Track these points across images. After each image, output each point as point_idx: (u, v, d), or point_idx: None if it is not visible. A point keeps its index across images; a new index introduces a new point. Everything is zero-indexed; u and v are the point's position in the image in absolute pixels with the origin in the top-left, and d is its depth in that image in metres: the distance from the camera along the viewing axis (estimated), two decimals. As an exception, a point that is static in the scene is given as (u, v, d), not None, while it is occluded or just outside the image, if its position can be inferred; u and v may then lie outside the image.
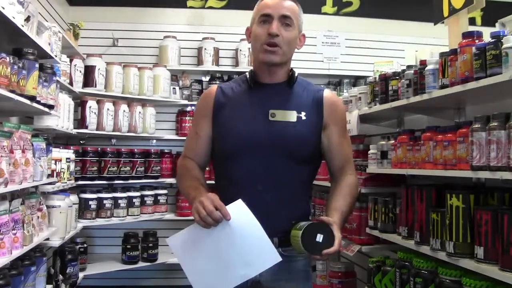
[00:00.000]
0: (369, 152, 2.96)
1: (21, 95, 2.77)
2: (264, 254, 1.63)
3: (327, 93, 1.91)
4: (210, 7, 5.82)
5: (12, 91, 2.63)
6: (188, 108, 5.43)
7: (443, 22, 3.03)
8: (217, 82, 5.49)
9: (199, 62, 5.58)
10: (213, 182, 1.93)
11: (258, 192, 1.75)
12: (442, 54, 2.24)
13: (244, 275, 1.64)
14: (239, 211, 1.61)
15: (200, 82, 5.68)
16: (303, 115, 1.82)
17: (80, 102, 4.82)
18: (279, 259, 1.63)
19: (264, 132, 1.78)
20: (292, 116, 1.81)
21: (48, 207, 3.57)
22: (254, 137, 1.78)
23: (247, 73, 1.92)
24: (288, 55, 1.87)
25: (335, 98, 1.94)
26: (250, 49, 2.01)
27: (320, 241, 1.61)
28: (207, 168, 1.99)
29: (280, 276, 1.74)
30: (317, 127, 1.84)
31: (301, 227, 1.65)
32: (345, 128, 1.93)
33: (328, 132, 1.85)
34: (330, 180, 1.95)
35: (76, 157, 4.50)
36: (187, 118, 5.38)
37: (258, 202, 1.69)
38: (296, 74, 1.91)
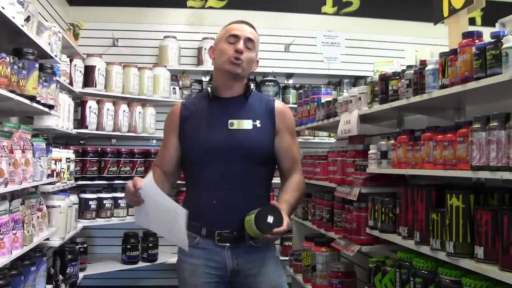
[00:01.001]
0: (369, 152, 2.96)
1: (21, 95, 2.77)
2: (176, 213, 1.90)
3: (278, 103, 2.21)
4: (210, 7, 5.82)
5: (12, 91, 2.63)
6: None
7: (443, 22, 3.02)
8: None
9: (199, 62, 5.58)
10: (183, 183, 2.21)
11: (223, 192, 2.02)
12: (442, 54, 2.24)
13: (180, 232, 1.92)
14: (148, 183, 1.88)
15: (200, 82, 5.68)
16: (258, 123, 2.10)
17: (80, 102, 4.82)
18: (184, 211, 1.88)
19: (225, 140, 2.05)
20: (248, 124, 2.09)
21: (48, 207, 3.58)
22: (216, 145, 2.05)
23: (208, 89, 2.18)
24: (246, 71, 2.14)
25: (284, 108, 2.22)
26: (213, 63, 2.23)
27: (271, 222, 1.87)
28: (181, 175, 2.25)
29: (254, 263, 2.06)
30: (271, 133, 2.12)
31: (254, 212, 1.91)
32: (294, 133, 2.23)
33: (279, 137, 2.14)
34: (281, 179, 2.21)
35: (76, 157, 4.50)
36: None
37: (224, 201, 2.01)
38: (252, 88, 2.18)
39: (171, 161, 2.16)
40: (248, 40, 2.11)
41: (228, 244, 2.04)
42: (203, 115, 2.13)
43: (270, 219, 1.87)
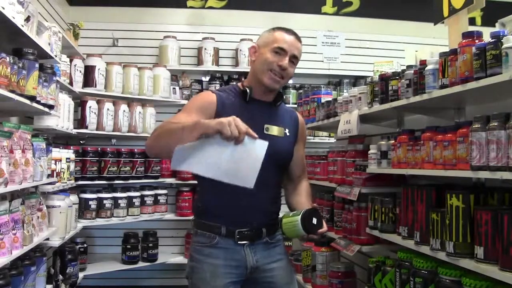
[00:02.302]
0: (369, 152, 2.96)
1: (21, 95, 2.77)
2: (248, 176, 1.75)
3: (299, 116, 2.35)
4: (210, 7, 5.82)
5: (12, 91, 2.63)
6: (188, 108, 5.42)
7: (443, 22, 3.02)
8: (217, 82, 5.49)
9: (199, 62, 5.58)
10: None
11: (251, 194, 1.92)
12: (442, 54, 2.24)
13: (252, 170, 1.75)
14: (259, 145, 1.74)
15: (200, 82, 5.68)
16: (287, 131, 2.19)
17: (80, 102, 4.82)
18: (252, 185, 1.74)
19: None
20: (281, 131, 2.17)
21: (48, 207, 3.57)
22: None
23: (239, 85, 2.20)
24: (283, 85, 2.23)
25: (303, 120, 2.37)
26: (251, 64, 2.19)
27: (315, 223, 1.97)
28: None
29: (271, 258, 2.14)
30: (294, 142, 2.24)
31: (296, 213, 2.00)
32: (305, 144, 2.38)
33: (297, 147, 2.26)
34: (287, 183, 2.30)
35: (76, 157, 4.50)
36: (187, 118, 5.38)
37: (251, 202, 2.03)
38: (283, 96, 2.26)
39: None
40: (294, 57, 2.13)
41: (247, 242, 2.07)
42: (240, 114, 1.90)
43: (314, 220, 1.97)
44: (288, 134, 2.19)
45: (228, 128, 1.68)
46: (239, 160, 1.76)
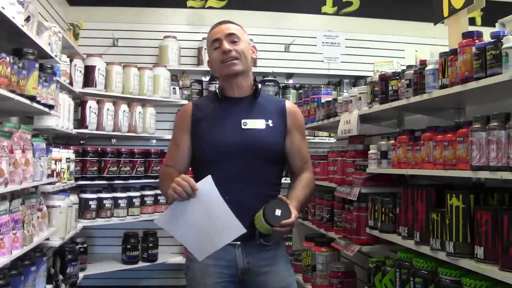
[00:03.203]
0: (369, 152, 2.96)
1: (21, 95, 2.77)
2: (230, 226, 1.87)
3: (288, 104, 2.23)
4: (210, 7, 5.82)
5: (12, 91, 2.63)
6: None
7: (443, 22, 3.02)
8: (217, 82, 5.49)
9: (199, 62, 5.58)
10: None
11: (236, 191, 2.00)
12: (442, 54, 2.24)
13: (220, 242, 1.90)
14: (207, 187, 1.85)
15: (200, 82, 5.68)
16: (270, 122, 2.12)
17: (80, 102, 4.82)
18: (244, 230, 1.87)
19: (239, 139, 2.06)
20: (261, 123, 2.10)
21: (48, 207, 3.57)
22: (231, 144, 2.05)
23: (216, 90, 2.20)
24: (247, 64, 2.14)
25: (295, 108, 2.26)
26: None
27: (279, 215, 1.90)
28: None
29: (265, 262, 2.06)
30: (282, 133, 2.14)
31: (262, 208, 1.95)
32: (304, 133, 2.25)
33: (290, 137, 2.16)
34: (291, 177, 2.24)
35: (76, 157, 4.50)
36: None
37: (237, 199, 1.96)
38: (259, 87, 2.19)
39: (185, 161, 2.15)
40: (229, 35, 2.11)
41: (239, 243, 2.02)
42: (215, 116, 2.13)
43: (278, 212, 1.91)
44: (271, 125, 2.11)
45: (175, 194, 1.83)
46: (209, 214, 1.86)
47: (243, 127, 2.08)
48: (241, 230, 1.86)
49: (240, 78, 2.13)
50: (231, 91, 2.16)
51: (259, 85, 2.19)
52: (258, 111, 2.13)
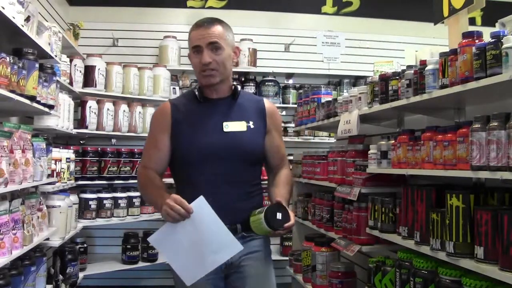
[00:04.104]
0: (369, 152, 2.95)
1: (21, 95, 2.77)
2: (227, 244, 1.92)
3: (267, 103, 2.24)
4: (210, 7, 5.83)
5: (12, 91, 2.63)
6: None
7: (443, 22, 3.02)
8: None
9: (199, 62, 5.57)
10: (171, 181, 2.25)
11: (219, 192, 2.04)
12: (442, 54, 2.24)
13: (214, 262, 1.93)
14: (201, 207, 1.89)
15: (200, 82, 5.67)
16: (251, 124, 2.13)
17: (80, 102, 4.82)
18: (241, 248, 1.94)
19: (221, 142, 2.07)
20: (242, 126, 2.11)
21: (48, 207, 3.57)
22: (214, 148, 2.07)
23: (195, 90, 2.18)
24: (226, 73, 2.13)
25: (273, 107, 2.27)
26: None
27: (280, 218, 1.96)
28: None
29: (246, 252, 2.07)
30: (262, 133, 2.17)
31: (261, 211, 1.98)
32: (281, 131, 2.33)
33: (270, 137, 2.19)
34: (268, 173, 2.29)
35: (76, 157, 4.50)
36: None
37: (219, 200, 1.98)
38: (238, 89, 2.18)
39: (164, 162, 2.15)
40: (210, 44, 2.06)
41: None
42: (195, 117, 2.13)
43: (279, 215, 1.95)
44: (252, 126, 2.12)
45: (169, 217, 1.87)
46: (203, 234, 1.90)
47: (224, 130, 2.09)
48: (238, 247, 1.92)
49: (218, 85, 2.14)
50: (210, 93, 2.16)
51: (239, 87, 2.20)
52: (238, 112, 2.14)
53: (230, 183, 2.08)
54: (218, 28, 2.09)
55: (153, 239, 1.98)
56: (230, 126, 2.10)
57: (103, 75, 4.95)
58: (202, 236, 1.91)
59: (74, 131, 4.50)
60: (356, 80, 5.71)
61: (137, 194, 5.11)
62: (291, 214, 1.99)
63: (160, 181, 2.13)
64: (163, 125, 2.13)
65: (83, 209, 4.69)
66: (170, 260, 1.97)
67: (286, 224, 1.96)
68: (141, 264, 5.11)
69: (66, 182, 4.00)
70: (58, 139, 4.73)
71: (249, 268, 2.09)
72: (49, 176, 3.40)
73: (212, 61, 2.06)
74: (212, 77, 2.09)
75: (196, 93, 2.16)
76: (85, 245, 4.86)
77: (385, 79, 2.81)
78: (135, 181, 5.09)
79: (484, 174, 1.97)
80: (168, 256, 1.98)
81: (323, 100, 3.97)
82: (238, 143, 2.08)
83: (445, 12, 2.93)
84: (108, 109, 4.94)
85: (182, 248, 1.92)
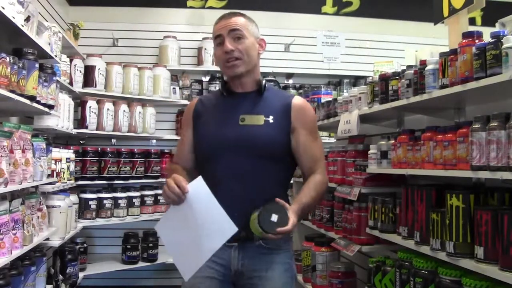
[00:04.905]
0: (369, 152, 2.96)
1: (21, 95, 2.77)
2: (222, 226, 1.78)
3: (296, 99, 2.09)
4: (210, 7, 5.82)
5: (12, 91, 2.63)
6: (188, 108, 5.43)
7: (443, 22, 3.02)
8: (217, 82, 5.50)
9: (199, 62, 5.58)
10: None
11: (232, 189, 1.93)
12: (442, 54, 2.24)
13: (209, 250, 1.80)
14: (198, 188, 1.80)
15: (200, 82, 5.68)
16: (270, 118, 2.01)
17: (80, 102, 4.82)
18: (236, 229, 1.78)
19: (234, 135, 1.99)
20: (259, 119, 2.01)
21: (48, 207, 3.57)
22: (226, 140, 1.99)
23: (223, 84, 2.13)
24: (251, 63, 2.04)
25: (303, 104, 2.11)
26: None
27: (275, 221, 1.77)
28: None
29: (261, 266, 1.95)
30: (285, 130, 2.02)
31: (259, 209, 1.82)
32: (315, 131, 2.11)
33: (296, 135, 2.03)
34: (303, 179, 2.11)
35: (76, 157, 4.50)
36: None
37: (233, 198, 1.89)
38: (264, 84, 2.08)
39: (189, 156, 2.11)
40: (232, 31, 2.00)
41: (236, 244, 1.94)
42: (216, 110, 2.09)
43: (274, 217, 1.77)
44: (272, 121, 1.99)
45: (166, 196, 1.83)
46: (200, 217, 1.81)
47: (240, 123, 2.00)
48: (233, 229, 1.77)
49: (244, 77, 2.05)
50: (235, 87, 2.09)
51: (264, 81, 2.09)
52: (259, 107, 2.04)
53: (244, 181, 1.95)
54: (240, 19, 2.06)
55: (158, 226, 1.93)
56: (247, 120, 2.00)
57: (103, 75, 4.95)
58: (198, 218, 1.80)
59: (74, 131, 4.50)
60: (356, 80, 5.71)
61: (137, 194, 5.11)
62: (291, 219, 1.79)
63: (181, 170, 2.03)
64: (187, 120, 2.14)
65: (83, 209, 4.69)
66: (169, 250, 1.92)
67: (279, 229, 1.76)
68: (141, 264, 5.11)
69: (66, 182, 4.00)
70: (58, 139, 4.73)
71: (262, 286, 1.93)
72: (49, 176, 3.40)
73: (235, 50, 1.99)
74: (236, 66, 2.00)
75: (222, 86, 2.11)
76: (85, 245, 4.86)
77: (385, 79, 2.81)
78: (135, 181, 5.18)
79: (484, 174, 1.97)
80: (167, 245, 1.92)
81: (323, 100, 3.97)
82: (251, 137, 1.97)
83: (445, 12, 2.93)
84: (108, 109, 4.94)
85: (180, 234, 1.84)
